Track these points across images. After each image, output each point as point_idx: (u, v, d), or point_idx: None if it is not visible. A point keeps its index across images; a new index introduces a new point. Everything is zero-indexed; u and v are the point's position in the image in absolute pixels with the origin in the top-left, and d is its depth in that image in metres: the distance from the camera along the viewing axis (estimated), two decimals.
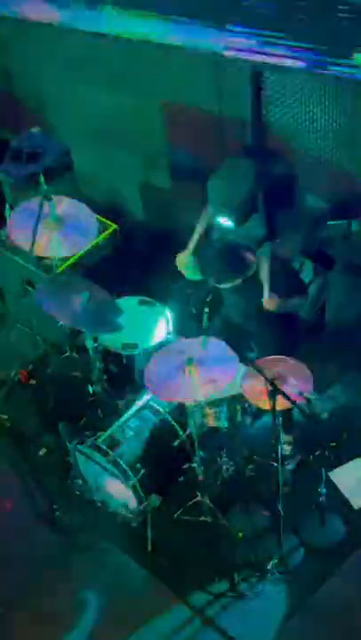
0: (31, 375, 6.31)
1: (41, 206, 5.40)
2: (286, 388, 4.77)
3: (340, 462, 5.70)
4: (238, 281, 5.29)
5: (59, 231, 5.51)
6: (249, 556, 5.46)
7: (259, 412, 5.38)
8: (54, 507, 5.75)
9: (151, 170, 7.13)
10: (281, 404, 4.81)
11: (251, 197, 6.39)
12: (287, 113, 6.34)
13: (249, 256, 5.31)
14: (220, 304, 5.64)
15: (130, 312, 5.78)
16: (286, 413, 5.25)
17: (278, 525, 5.36)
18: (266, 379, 4.76)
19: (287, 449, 5.57)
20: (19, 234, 5.52)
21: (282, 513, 5.28)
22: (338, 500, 5.58)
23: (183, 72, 6.51)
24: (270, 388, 4.75)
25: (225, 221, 6.36)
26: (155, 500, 5.37)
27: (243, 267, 5.27)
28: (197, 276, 5.64)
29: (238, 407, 5.39)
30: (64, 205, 5.59)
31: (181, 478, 5.61)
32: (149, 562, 5.47)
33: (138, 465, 5.37)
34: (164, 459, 5.54)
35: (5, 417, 6.21)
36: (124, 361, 5.79)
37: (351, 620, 5.17)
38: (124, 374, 5.88)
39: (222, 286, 5.39)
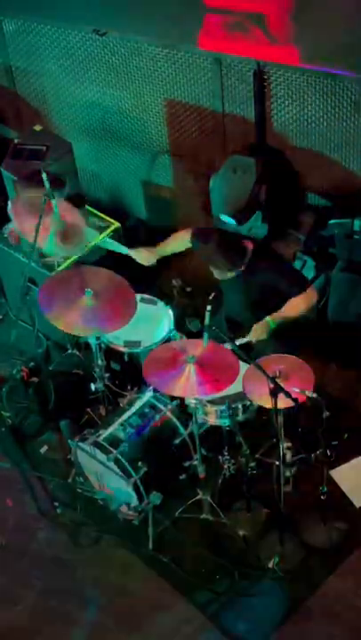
0: (33, 373, 6.31)
1: (43, 205, 5.41)
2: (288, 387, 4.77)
3: (341, 461, 5.71)
4: (239, 270, 5.38)
5: (61, 230, 5.52)
6: (250, 554, 5.46)
7: (260, 411, 5.38)
8: (55, 504, 5.75)
9: (153, 168, 7.12)
10: (282, 402, 4.81)
11: (253, 196, 6.39)
12: (291, 111, 6.33)
13: (247, 244, 5.41)
14: (221, 302, 5.65)
15: None
16: (288, 412, 5.25)
17: (279, 524, 5.36)
18: (267, 377, 4.76)
19: (289, 447, 5.56)
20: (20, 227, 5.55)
21: (283, 511, 5.29)
22: (339, 499, 5.58)
23: (186, 70, 6.50)
24: (272, 386, 4.75)
25: (227, 220, 6.38)
26: (156, 497, 5.37)
27: (242, 255, 5.38)
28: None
29: (240, 405, 5.38)
30: (66, 204, 5.60)
31: (183, 476, 5.61)
32: (150, 560, 5.47)
33: (139, 463, 5.37)
34: (166, 457, 5.55)
35: (7, 414, 6.21)
36: (126, 358, 5.79)
37: (352, 620, 5.17)
38: (126, 372, 5.87)
39: (225, 277, 5.44)
